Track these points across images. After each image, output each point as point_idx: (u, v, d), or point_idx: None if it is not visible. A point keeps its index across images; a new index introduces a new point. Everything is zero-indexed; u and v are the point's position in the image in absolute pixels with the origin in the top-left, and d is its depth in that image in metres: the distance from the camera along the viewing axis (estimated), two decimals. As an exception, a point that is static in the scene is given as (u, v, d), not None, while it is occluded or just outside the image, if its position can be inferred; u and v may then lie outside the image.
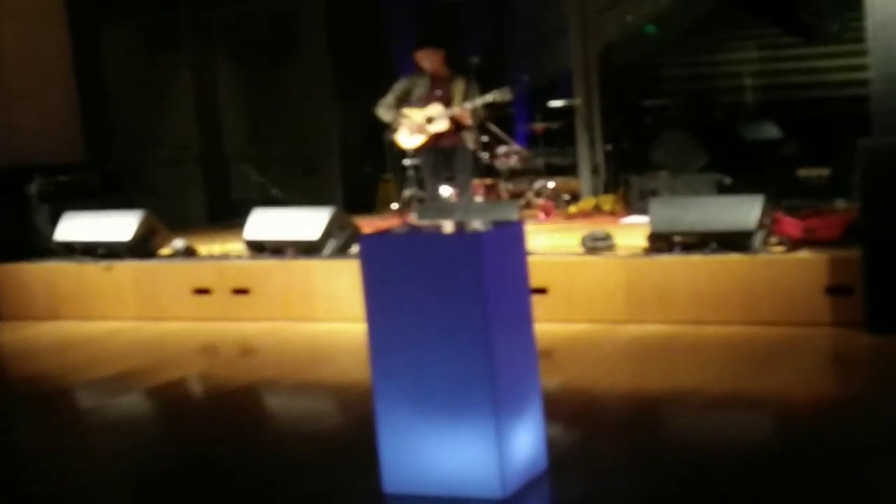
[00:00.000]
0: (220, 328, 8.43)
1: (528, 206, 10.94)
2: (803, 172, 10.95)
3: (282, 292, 8.54)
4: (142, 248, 9.18)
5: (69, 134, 10.97)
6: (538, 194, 11.15)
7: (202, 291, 8.74)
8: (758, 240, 7.56)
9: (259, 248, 8.88)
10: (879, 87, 6.85)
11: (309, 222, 8.78)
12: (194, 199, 12.55)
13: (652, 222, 7.92)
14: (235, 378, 6.97)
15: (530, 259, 4.93)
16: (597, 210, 11.03)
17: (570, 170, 12.09)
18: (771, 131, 12.04)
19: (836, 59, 15.01)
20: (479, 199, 10.50)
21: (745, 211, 7.64)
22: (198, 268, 8.87)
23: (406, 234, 4.87)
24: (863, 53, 7.51)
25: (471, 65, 9.82)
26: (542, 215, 10.80)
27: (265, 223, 8.95)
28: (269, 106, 12.88)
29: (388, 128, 9.99)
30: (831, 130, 11.55)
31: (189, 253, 9.18)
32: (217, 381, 7.00)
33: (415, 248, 4.57)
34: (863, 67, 8.56)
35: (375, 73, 11.92)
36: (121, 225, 9.23)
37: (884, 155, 6.79)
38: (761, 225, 7.61)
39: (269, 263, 8.69)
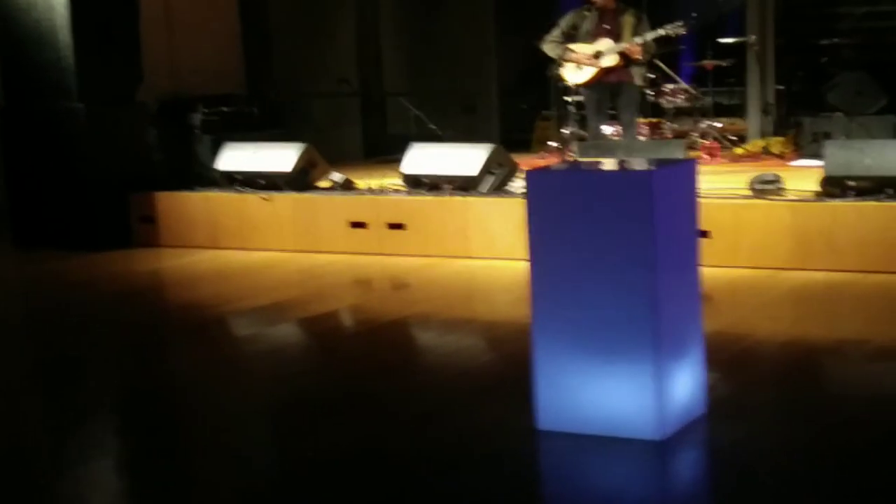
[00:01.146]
0: (374, 262, 8.43)
1: (693, 146, 10.62)
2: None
3: (437, 228, 8.47)
4: (301, 180, 9.22)
5: (232, 65, 11.09)
6: (704, 135, 10.81)
7: (358, 225, 8.74)
8: (938, 187, 7.17)
9: (416, 184, 8.82)
10: None
11: (467, 158, 8.68)
12: (353, 132, 12.57)
13: (826, 166, 7.61)
14: (388, 312, 6.95)
15: (698, 201, 4.76)
16: (765, 152, 10.65)
17: (738, 110, 11.70)
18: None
19: None
20: (642, 138, 10.22)
21: (926, 155, 7.26)
22: (354, 201, 8.87)
23: (574, 170, 4.76)
24: None
25: (640, -1, 9.50)
26: (706, 156, 10.48)
27: (423, 158, 8.88)
28: (429, 41, 12.79)
29: (553, 63, 9.77)
30: None
31: (347, 186, 9.19)
32: (370, 315, 6.99)
33: (583, 185, 4.46)
34: None
35: (539, 6, 11.70)
36: (281, 157, 9.29)
37: None
38: (942, 170, 7.22)
39: (425, 199, 8.62)
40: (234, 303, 7.44)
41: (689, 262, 4.66)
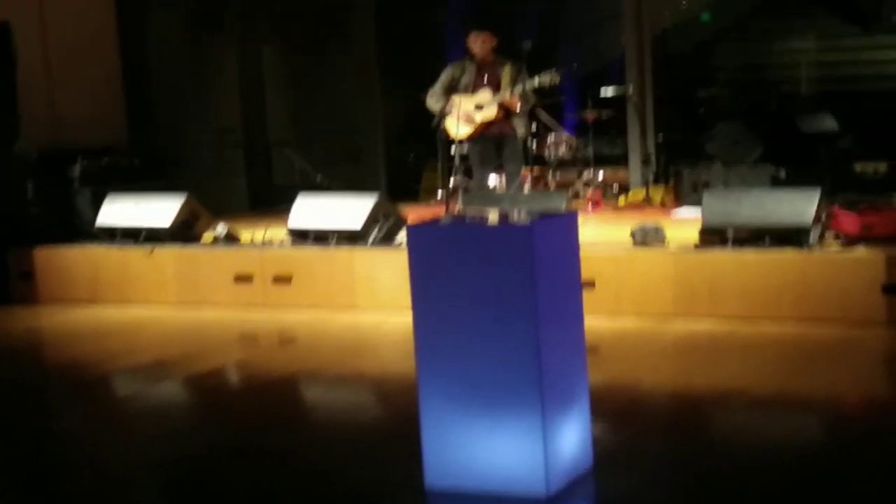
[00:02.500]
0: (260, 317, 8.32)
1: (577, 196, 10.74)
2: (860, 166, 10.67)
3: (324, 281, 8.42)
4: (184, 232, 9.09)
5: (112, 116, 10.91)
6: (587, 185, 10.95)
7: (243, 278, 8.63)
8: (813, 235, 7.35)
9: (302, 236, 8.75)
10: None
11: (353, 210, 8.64)
12: (237, 184, 12.45)
13: (704, 215, 7.74)
14: (275, 368, 6.86)
15: (580, 252, 4.80)
16: (647, 202, 10.82)
17: (620, 160, 11.88)
18: (828, 123, 11.76)
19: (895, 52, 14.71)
20: (526, 188, 10.31)
21: (802, 205, 7.44)
22: (239, 254, 8.77)
23: (455, 223, 4.77)
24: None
25: (521, 50, 9.61)
26: (590, 206, 10.60)
27: (309, 210, 8.82)
28: (314, 91, 12.76)
29: (437, 115, 9.84)
30: (890, 123, 11.28)
31: (231, 239, 9.08)
32: (256, 371, 6.89)
33: (465, 238, 4.47)
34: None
35: (424, 58, 11.76)
36: (163, 209, 9.15)
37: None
38: (817, 220, 7.40)
39: (311, 251, 8.57)
40: (115, 360, 7.27)
41: (573, 313, 4.68)
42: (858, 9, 16.28)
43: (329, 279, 8.40)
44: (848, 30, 15.97)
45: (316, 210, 8.81)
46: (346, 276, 8.35)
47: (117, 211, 9.29)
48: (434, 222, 4.80)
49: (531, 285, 4.32)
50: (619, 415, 5.49)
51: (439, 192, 10.81)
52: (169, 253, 8.94)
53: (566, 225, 4.74)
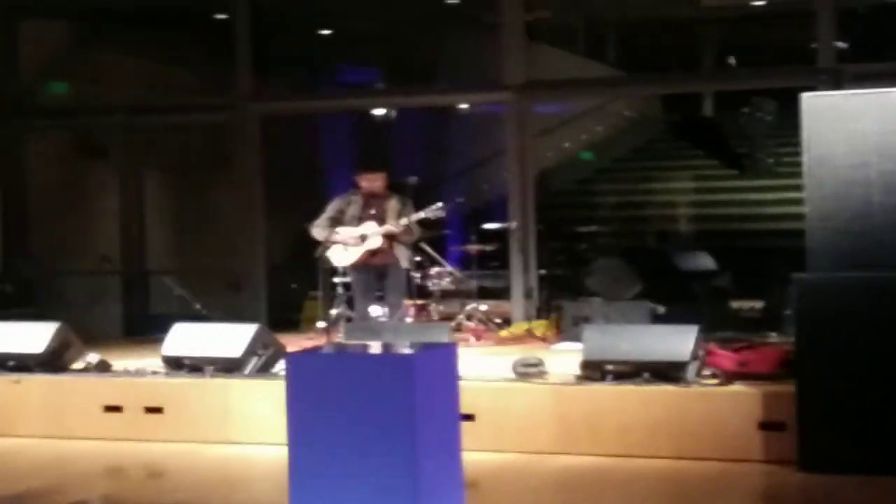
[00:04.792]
0: (129, 448, 8.02)
1: (459, 328, 10.71)
2: (736, 304, 10.88)
3: (197, 412, 8.17)
4: (54, 361, 8.78)
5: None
6: (469, 317, 10.94)
7: (113, 409, 8.34)
8: (691, 371, 7.40)
9: (177, 365, 8.53)
10: (814, 224, 6.80)
11: (231, 339, 8.47)
12: (113, 312, 12.19)
13: (585, 350, 7.75)
14: (141, 502, 6.57)
15: (460, 384, 4.76)
16: (529, 335, 10.83)
17: (502, 293, 11.93)
18: (704, 261, 12.01)
19: (771, 193, 15.19)
20: (409, 320, 10.26)
21: (679, 341, 7.50)
22: (110, 384, 8.49)
23: (335, 353, 4.73)
24: (797, 188, 7.47)
25: (406, 185, 9.73)
26: (472, 339, 10.57)
27: (185, 339, 8.62)
28: (195, 220, 12.65)
29: (320, 245, 9.81)
30: (765, 263, 11.56)
31: (102, 368, 8.80)
32: (121, 505, 6.61)
33: (344, 368, 4.41)
34: (797, 201, 8.54)
35: (307, 190, 11.77)
36: (33, 336, 8.85)
37: (817, 290, 6.71)
38: (695, 356, 7.46)
39: (184, 381, 8.34)
40: (-29, 494, 6.91)
41: (452, 447, 4.61)
42: (734, 153, 16.86)
43: (203, 411, 8.16)
44: (724, 172, 16.50)
45: (193, 339, 8.61)
46: (220, 408, 8.12)
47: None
48: (314, 350, 4.76)
49: (410, 417, 4.25)
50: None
51: (319, 322, 10.70)
52: (36, 382, 8.62)
53: (446, 356, 4.72)
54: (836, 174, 6.74)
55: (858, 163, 6.69)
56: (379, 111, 14.07)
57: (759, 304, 10.93)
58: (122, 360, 9.05)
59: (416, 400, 4.27)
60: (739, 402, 7.14)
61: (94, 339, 9.81)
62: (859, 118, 6.72)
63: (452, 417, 4.64)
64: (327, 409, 4.34)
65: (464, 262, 11.80)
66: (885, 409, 6.54)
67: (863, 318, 6.59)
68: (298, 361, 4.53)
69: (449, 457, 4.58)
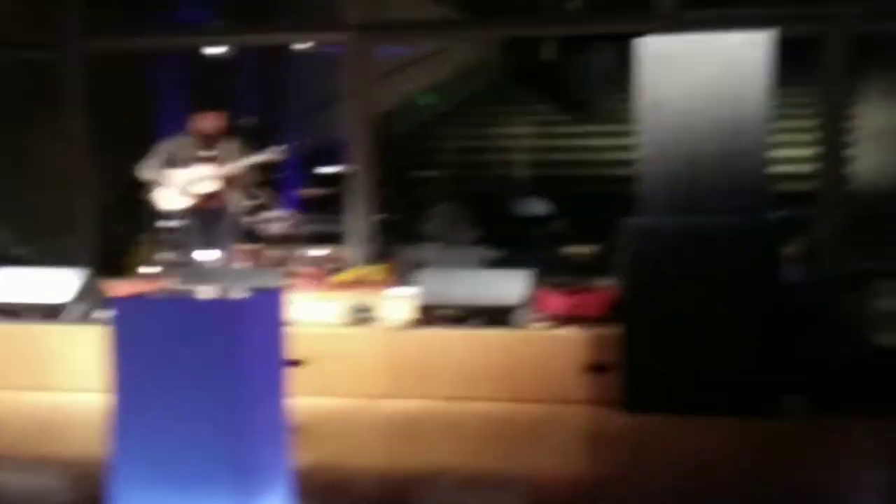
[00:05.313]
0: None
1: (293, 274, 10.57)
2: (570, 249, 11.01)
3: (16, 358, 7.89)
4: None
5: None
6: (303, 262, 10.81)
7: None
8: (522, 315, 7.45)
9: (-2, 310, 8.22)
10: (647, 168, 6.88)
11: (55, 285, 8.20)
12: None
13: (420, 294, 7.74)
14: (-45, 452, 6.34)
15: (291, 330, 4.71)
16: (364, 281, 10.75)
17: (338, 239, 11.82)
18: (539, 207, 12.12)
19: (609, 139, 15.38)
20: (241, 265, 10.08)
21: (510, 286, 7.56)
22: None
23: (163, 298, 4.61)
24: (630, 133, 7.53)
25: (242, 126, 9.49)
26: (306, 283, 10.45)
27: (4, 284, 8.30)
28: (18, 159, 12.16)
29: (148, 188, 9.53)
30: (601, 209, 11.70)
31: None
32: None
33: (171, 313, 4.33)
34: (630, 147, 8.63)
35: (137, 130, 11.42)
36: None
37: (644, 235, 6.80)
38: (526, 301, 7.52)
39: (2, 327, 8.04)
40: None
41: (276, 392, 4.57)
42: (571, 98, 17.02)
43: (22, 357, 7.89)
44: (560, 118, 16.65)
45: (13, 284, 8.30)
46: (40, 355, 7.87)
47: None
48: (141, 296, 4.66)
49: (233, 363, 4.22)
50: (325, 494, 5.34)
51: (144, 267, 10.42)
52: None
53: (272, 301, 4.65)
54: (669, 120, 6.82)
55: (691, 108, 6.77)
56: (216, 50, 13.71)
57: (593, 249, 11.07)
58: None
59: (239, 345, 4.22)
60: (568, 344, 7.25)
61: None
62: (691, 63, 6.79)
63: (277, 363, 4.59)
64: (152, 355, 4.28)
65: (302, 205, 11.64)
66: (705, 352, 6.71)
67: (687, 263, 6.73)
68: (126, 306, 4.40)
69: (274, 402, 4.54)
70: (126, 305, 4.45)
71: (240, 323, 4.28)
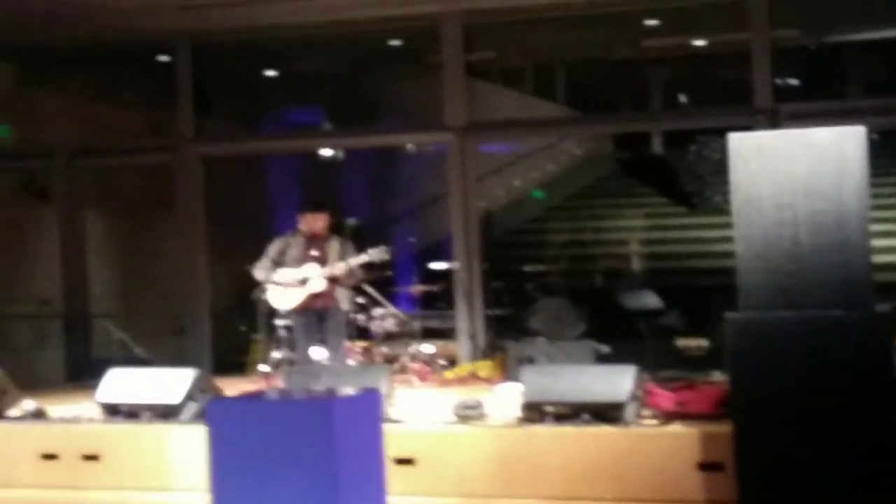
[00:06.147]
0: (66, 497, 7.89)
1: (403, 370, 10.65)
2: (682, 343, 10.88)
3: (134, 459, 8.05)
4: (-11, 408, 8.64)
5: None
6: (413, 358, 10.88)
7: (49, 457, 8.21)
8: (629, 412, 7.37)
9: (113, 411, 8.40)
10: (744, 264, 6.82)
11: (169, 384, 8.36)
12: (53, 356, 12.02)
13: (525, 391, 7.70)
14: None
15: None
16: (473, 376, 10.78)
17: (448, 334, 11.89)
18: (650, 300, 12.03)
19: (717, 231, 15.26)
20: (351, 362, 10.19)
21: (617, 381, 7.48)
22: (46, 431, 8.36)
23: (255, 399, 4.67)
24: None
25: (346, 226, 9.70)
26: (416, 380, 10.51)
27: (121, 384, 8.50)
28: (139, 263, 12.54)
29: (261, 288, 9.74)
30: (711, 300, 11.57)
31: (39, 415, 8.66)
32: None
33: (263, 414, 4.34)
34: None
35: (252, 232, 11.70)
36: (-32, 384, 8.70)
37: (749, 329, 6.71)
38: (633, 397, 7.43)
39: (121, 428, 8.22)
40: None
41: (377, 491, 4.57)
42: (683, 190, 16.96)
43: (139, 458, 8.04)
44: (672, 210, 16.58)
45: (130, 384, 8.49)
46: (157, 455, 8.00)
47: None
48: (234, 398, 4.72)
49: (331, 461, 4.22)
50: None
51: (261, 365, 10.62)
52: (-30, 430, 8.47)
53: (371, 401, 4.67)
54: (764, 214, 6.76)
55: (786, 203, 6.71)
56: (326, 152, 14.04)
57: (703, 343, 10.93)
58: (61, 407, 8.91)
59: (336, 445, 4.24)
60: (678, 442, 7.12)
61: (35, 384, 9.67)
62: (786, 158, 6.75)
63: (378, 462, 4.60)
64: (247, 455, 4.31)
65: (411, 302, 11.75)
66: (819, 448, 6.54)
67: (793, 357, 6.59)
68: (218, 408, 4.48)
69: (373, 501, 4.55)
70: (219, 407, 4.52)
71: (336, 423, 4.29)
